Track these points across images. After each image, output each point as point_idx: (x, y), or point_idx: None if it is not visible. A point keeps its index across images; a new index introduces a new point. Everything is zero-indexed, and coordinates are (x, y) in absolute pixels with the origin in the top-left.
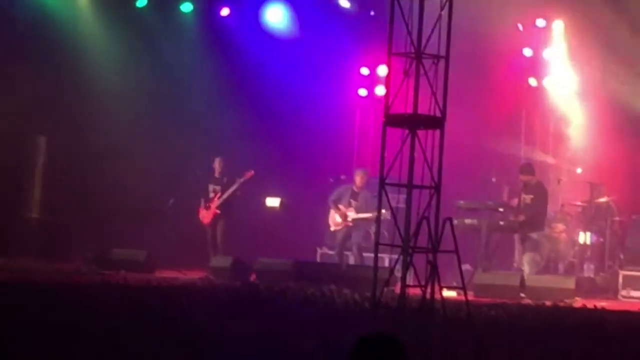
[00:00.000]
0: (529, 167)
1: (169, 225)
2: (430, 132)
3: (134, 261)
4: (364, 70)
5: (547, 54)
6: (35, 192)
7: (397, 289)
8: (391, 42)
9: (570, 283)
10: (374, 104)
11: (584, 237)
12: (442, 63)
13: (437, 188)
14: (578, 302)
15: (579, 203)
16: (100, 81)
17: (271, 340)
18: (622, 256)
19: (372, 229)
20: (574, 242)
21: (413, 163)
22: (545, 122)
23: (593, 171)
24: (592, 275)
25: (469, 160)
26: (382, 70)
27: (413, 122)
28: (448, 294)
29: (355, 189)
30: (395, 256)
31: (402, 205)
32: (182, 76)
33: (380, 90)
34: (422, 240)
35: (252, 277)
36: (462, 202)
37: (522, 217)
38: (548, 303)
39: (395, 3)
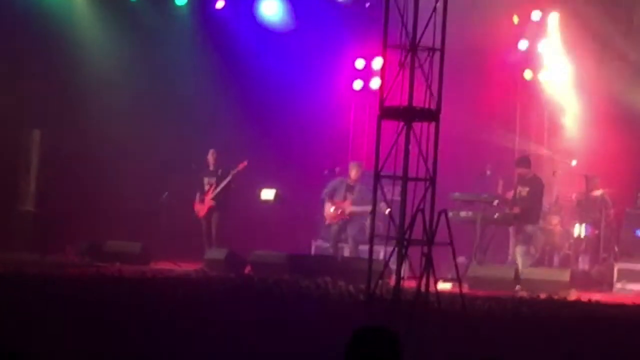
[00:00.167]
0: (525, 160)
1: (163, 218)
2: (425, 124)
3: (129, 253)
4: (359, 63)
5: (542, 46)
6: (30, 185)
7: (392, 281)
8: (386, 34)
9: (565, 276)
10: (368, 96)
11: (579, 230)
12: (437, 56)
13: (432, 180)
14: (573, 294)
15: (574, 196)
16: (95, 74)
17: (265, 332)
18: (616, 249)
19: (368, 222)
20: (569, 235)
21: (408, 156)
22: (540, 115)
23: (588, 164)
24: (586, 268)
25: (464, 153)
26: (377, 63)
27: (408, 115)
28: (443, 286)
29: (350, 182)
30: (390, 249)
31: (397, 197)
32: (177, 69)
33: (375, 83)
34: (417, 233)
35: (247, 270)
36: (456, 194)
37: (517, 210)
38: (543, 296)
39: None
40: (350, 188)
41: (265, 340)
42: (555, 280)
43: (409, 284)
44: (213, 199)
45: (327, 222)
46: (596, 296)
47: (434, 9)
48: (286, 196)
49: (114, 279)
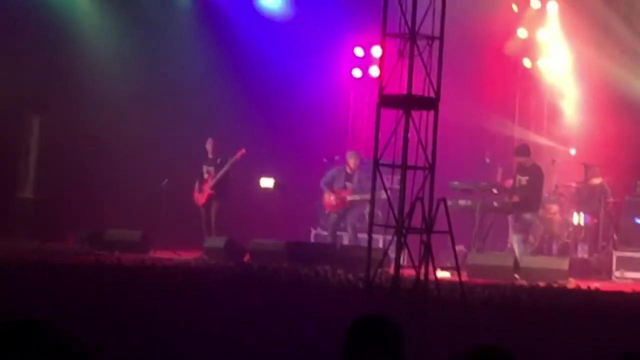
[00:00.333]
0: (524, 149)
1: (163, 206)
2: (424, 113)
3: (129, 241)
4: (358, 51)
5: (541, 35)
6: (30, 172)
7: (391, 269)
8: (385, 22)
9: (564, 264)
10: (368, 84)
11: (578, 218)
12: (436, 44)
13: (431, 169)
14: (572, 283)
15: (573, 184)
16: (95, 62)
17: (264, 320)
18: (615, 237)
19: (367, 210)
20: (568, 223)
21: (407, 144)
22: (539, 103)
23: (587, 152)
24: (585, 256)
25: (463, 141)
26: (377, 51)
27: (407, 103)
28: (442, 274)
29: (348, 170)
30: (389, 237)
31: (396, 186)
32: (177, 57)
33: (374, 71)
34: (416, 221)
35: (246, 258)
36: (455, 182)
37: (516, 198)
38: (542, 284)
39: None
40: (349, 176)
41: (264, 328)
42: (554, 268)
43: (408, 272)
44: (212, 187)
45: (327, 210)
46: (595, 284)
47: None
48: (285, 184)
49: (113, 267)
